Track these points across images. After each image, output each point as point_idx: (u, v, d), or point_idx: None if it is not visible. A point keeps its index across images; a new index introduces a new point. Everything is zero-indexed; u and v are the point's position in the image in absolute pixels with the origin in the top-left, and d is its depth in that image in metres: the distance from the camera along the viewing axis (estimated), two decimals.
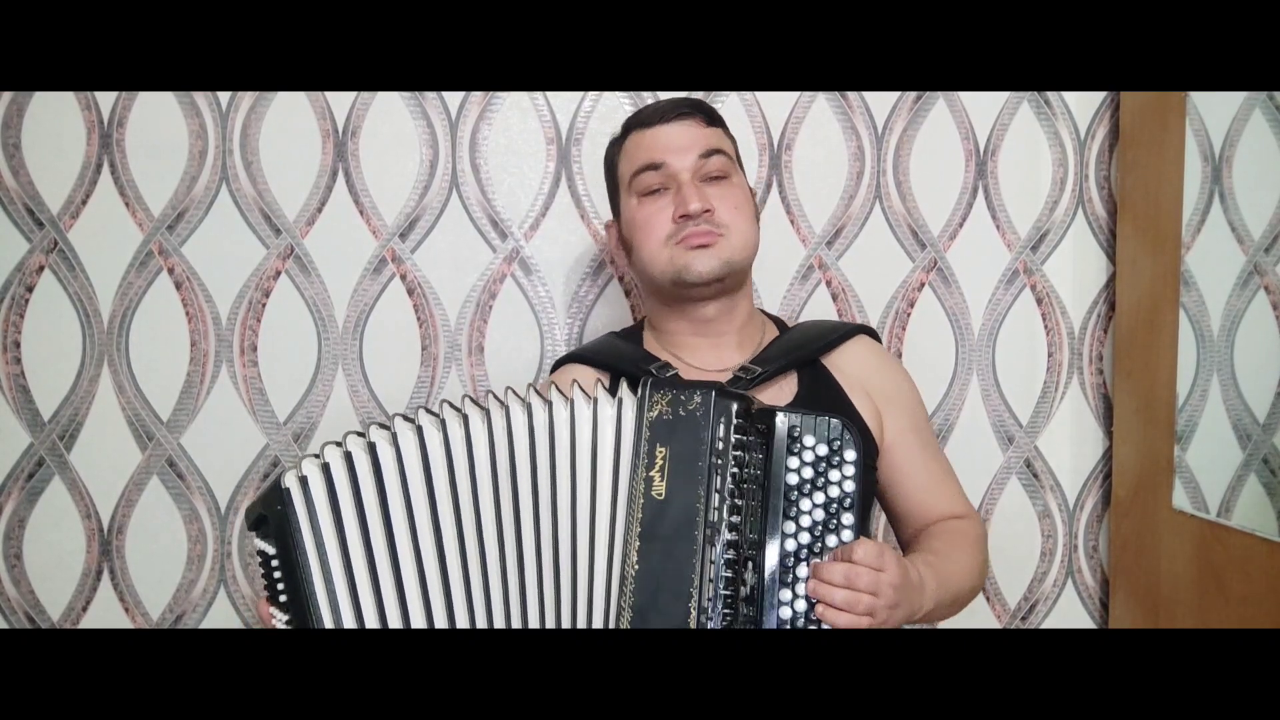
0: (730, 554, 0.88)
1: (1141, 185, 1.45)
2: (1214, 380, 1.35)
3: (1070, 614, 1.57)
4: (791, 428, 0.90)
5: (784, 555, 0.88)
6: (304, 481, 0.91)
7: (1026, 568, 1.57)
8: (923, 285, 1.53)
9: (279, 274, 1.44)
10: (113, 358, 1.43)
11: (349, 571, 0.91)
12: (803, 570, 0.89)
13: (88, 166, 1.41)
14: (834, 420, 0.91)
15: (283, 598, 0.93)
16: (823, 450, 0.90)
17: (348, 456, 0.92)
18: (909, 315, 1.53)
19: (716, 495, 0.88)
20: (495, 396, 0.94)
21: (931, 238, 1.53)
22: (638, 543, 0.88)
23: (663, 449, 0.89)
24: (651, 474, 0.89)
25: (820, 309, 1.50)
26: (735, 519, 0.89)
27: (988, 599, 1.56)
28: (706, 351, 1.14)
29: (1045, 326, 1.56)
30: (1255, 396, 1.32)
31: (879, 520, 1.39)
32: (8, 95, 1.40)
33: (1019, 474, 1.56)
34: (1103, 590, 1.57)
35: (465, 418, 0.92)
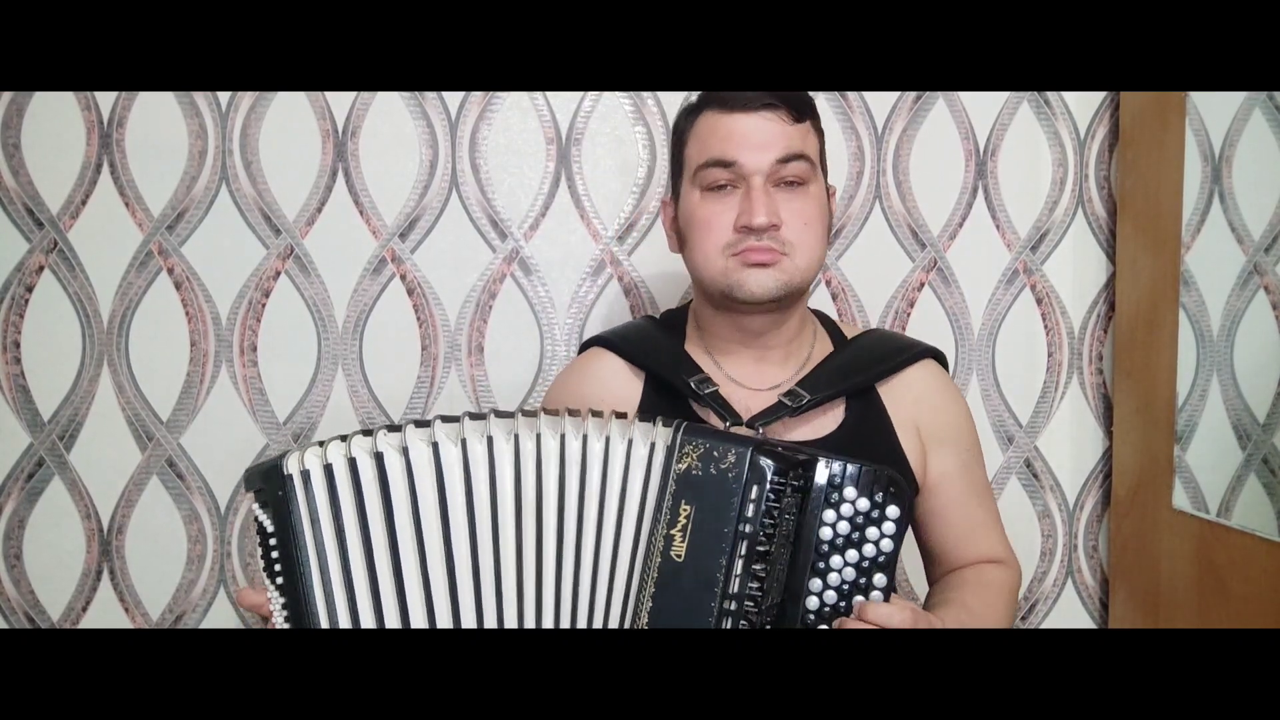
0: (745, 623, 0.83)
1: (1141, 185, 1.45)
2: (1214, 380, 1.35)
3: (1070, 614, 1.57)
4: (832, 477, 0.84)
5: (804, 613, 0.84)
6: (305, 475, 0.89)
7: (1026, 568, 1.56)
8: (922, 285, 1.53)
9: (279, 274, 1.44)
10: (113, 358, 1.43)
11: (346, 571, 0.88)
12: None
13: (88, 166, 1.41)
14: (882, 472, 0.84)
15: (280, 579, 0.91)
16: (864, 505, 0.84)
17: (352, 462, 0.88)
18: (909, 315, 1.53)
19: (740, 562, 0.82)
20: (524, 414, 0.90)
21: (931, 238, 1.53)
22: (650, 603, 0.83)
23: (688, 507, 0.83)
24: (673, 532, 0.83)
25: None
26: (755, 585, 0.83)
27: None
28: (750, 365, 1.07)
29: (1045, 326, 1.56)
30: (1255, 396, 1.32)
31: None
32: (8, 95, 1.40)
33: (1019, 474, 1.56)
34: (1103, 590, 1.57)
35: (490, 439, 0.88)
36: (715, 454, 0.83)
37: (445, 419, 0.91)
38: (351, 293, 1.46)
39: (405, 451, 0.88)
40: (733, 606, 0.82)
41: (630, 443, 0.86)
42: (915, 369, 1.09)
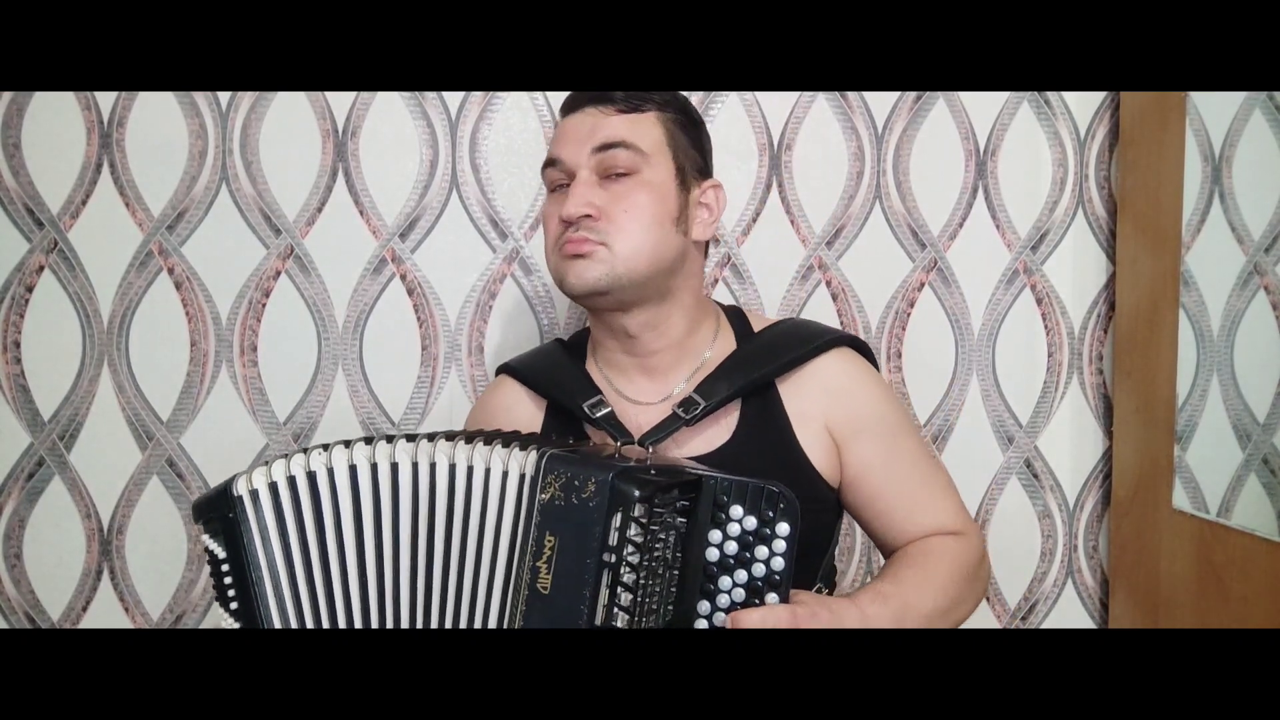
0: None
1: (1141, 185, 1.45)
2: (1214, 380, 1.35)
3: (1070, 614, 1.57)
4: (718, 495, 0.82)
5: None
6: (255, 495, 0.91)
7: (1026, 568, 1.57)
8: (923, 285, 1.53)
9: (279, 274, 1.44)
10: (113, 358, 1.43)
11: (293, 583, 0.92)
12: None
13: (88, 166, 1.41)
14: (770, 488, 0.82)
15: (234, 605, 0.93)
16: (752, 523, 0.82)
17: (291, 481, 0.91)
18: (909, 315, 1.53)
19: (607, 591, 0.79)
20: (428, 438, 0.92)
21: (931, 238, 1.53)
22: None
23: (552, 538, 0.81)
24: (539, 564, 0.81)
25: (820, 309, 1.50)
26: (628, 619, 0.80)
27: (988, 599, 1.56)
28: (639, 376, 1.05)
29: (1045, 326, 1.56)
30: (1255, 396, 1.32)
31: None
32: (8, 95, 1.40)
33: (1019, 474, 1.56)
34: (1103, 590, 1.57)
35: (394, 466, 0.90)
36: (576, 483, 0.81)
37: (368, 440, 0.93)
38: (351, 293, 1.46)
39: (331, 473, 0.91)
40: None
41: (505, 474, 0.86)
42: (824, 360, 1.03)
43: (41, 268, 1.42)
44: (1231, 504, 1.31)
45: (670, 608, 0.82)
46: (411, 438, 0.92)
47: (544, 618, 0.81)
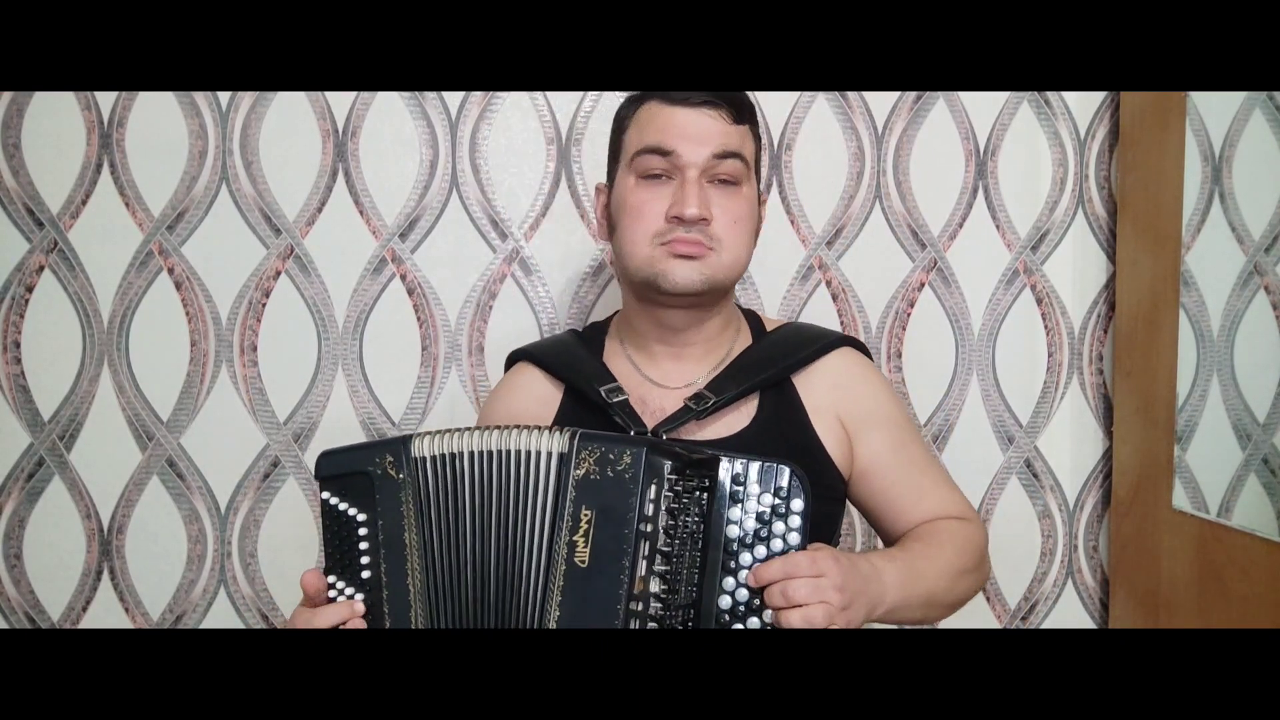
0: (654, 624, 0.83)
1: (1141, 185, 1.45)
2: (1214, 380, 1.35)
3: (1070, 614, 1.57)
4: (735, 475, 0.85)
5: (719, 613, 0.84)
6: (433, 461, 0.90)
7: (1026, 568, 1.57)
8: (923, 285, 1.53)
9: (279, 274, 1.44)
10: (113, 358, 1.43)
11: (425, 562, 0.90)
12: (739, 629, 0.84)
13: (88, 166, 1.41)
14: (782, 467, 0.85)
15: (366, 573, 0.89)
16: (768, 501, 0.85)
17: (436, 460, 0.90)
18: (909, 315, 1.53)
19: (644, 563, 0.83)
20: (484, 430, 0.91)
21: (931, 238, 1.53)
22: (556, 612, 0.84)
23: (588, 512, 0.84)
24: (575, 538, 0.84)
25: (820, 309, 1.51)
26: (663, 588, 0.84)
27: (988, 599, 1.56)
28: (668, 362, 1.08)
29: (1045, 326, 1.56)
30: (1255, 396, 1.32)
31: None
32: (8, 95, 1.40)
33: (1019, 474, 1.56)
34: (1103, 590, 1.57)
35: (456, 456, 0.90)
36: (611, 456, 0.84)
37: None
38: (351, 293, 1.46)
39: (444, 459, 0.90)
40: (639, 607, 0.83)
41: (539, 454, 0.88)
42: (831, 358, 1.09)
43: (41, 268, 1.42)
44: (1231, 504, 1.31)
45: (696, 582, 0.85)
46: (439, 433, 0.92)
47: (584, 592, 0.83)
